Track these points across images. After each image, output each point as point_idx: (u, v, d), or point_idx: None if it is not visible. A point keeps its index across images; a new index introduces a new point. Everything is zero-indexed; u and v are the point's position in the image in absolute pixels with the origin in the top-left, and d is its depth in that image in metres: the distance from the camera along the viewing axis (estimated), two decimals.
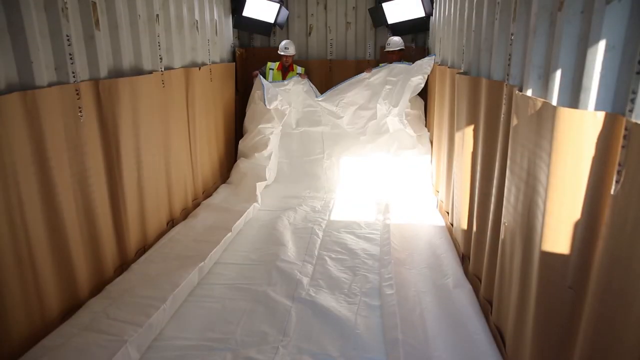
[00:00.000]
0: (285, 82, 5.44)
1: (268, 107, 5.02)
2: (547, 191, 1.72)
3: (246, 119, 5.54)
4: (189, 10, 4.36)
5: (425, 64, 5.19)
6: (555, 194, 1.68)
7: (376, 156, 5.37)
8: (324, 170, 5.46)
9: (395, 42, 5.66)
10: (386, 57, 5.78)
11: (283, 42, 5.64)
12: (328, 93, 5.61)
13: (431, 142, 5.27)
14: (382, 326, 2.62)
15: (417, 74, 5.22)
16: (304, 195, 5.00)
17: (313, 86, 5.68)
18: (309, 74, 5.86)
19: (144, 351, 2.41)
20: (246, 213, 4.21)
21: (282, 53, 5.59)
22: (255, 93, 5.32)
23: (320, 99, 5.58)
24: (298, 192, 5.08)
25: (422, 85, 5.29)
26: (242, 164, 5.29)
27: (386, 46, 5.71)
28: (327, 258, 3.49)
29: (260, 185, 4.88)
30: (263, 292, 2.98)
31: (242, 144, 5.50)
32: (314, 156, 5.56)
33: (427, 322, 2.64)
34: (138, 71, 3.43)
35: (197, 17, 4.57)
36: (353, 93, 5.55)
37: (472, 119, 3.05)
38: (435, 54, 5.13)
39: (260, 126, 5.26)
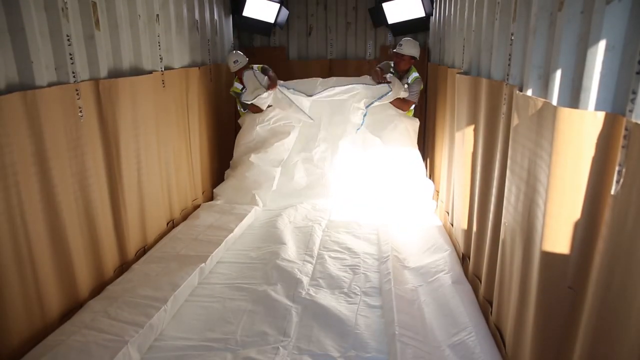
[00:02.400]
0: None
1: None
2: (547, 191, 1.72)
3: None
4: (189, 10, 4.36)
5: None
6: (555, 194, 1.68)
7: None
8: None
9: (409, 45, 4.70)
10: (389, 58, 5.14)
11: (229, 57, 4.84)
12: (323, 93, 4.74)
13: (428, 141, 5.22)
14: (382, 326, 2.62)
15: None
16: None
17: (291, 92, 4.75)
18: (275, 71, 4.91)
19: (145, 351, 2.41)
20: (247, 217, 4.19)
21: (235, 68, 4.82)
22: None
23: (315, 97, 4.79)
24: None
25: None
26: (249, 164, 4.69)
27: (397, 46, 4.77)
28: (327, 257, 3.49)
29: (259, 192, 4.56)
30: (263, 291, 2.97)
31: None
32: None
33: (427, 321, 2.65)
34: (138, 71, 3.43)
35: (197, 17, 4.57)
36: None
37: (472, 119, 3.05)
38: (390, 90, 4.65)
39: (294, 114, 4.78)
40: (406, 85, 4.79)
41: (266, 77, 4.70)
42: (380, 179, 4.77)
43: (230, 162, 5.08)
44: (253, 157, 4.72)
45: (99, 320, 2.47)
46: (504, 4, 2.52)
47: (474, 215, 2.97)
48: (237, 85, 4.88)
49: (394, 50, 4.82)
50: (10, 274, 2.19)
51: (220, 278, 3.20)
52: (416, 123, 4.98)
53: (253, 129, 4.87)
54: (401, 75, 4.88)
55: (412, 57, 4.74)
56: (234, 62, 4.79)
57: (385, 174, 4.76)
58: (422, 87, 4.90)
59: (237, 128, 5.63)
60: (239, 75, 4.87)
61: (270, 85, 4.65)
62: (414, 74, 4.81)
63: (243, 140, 4.92)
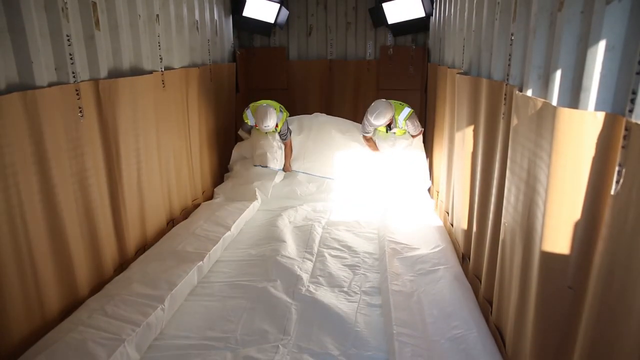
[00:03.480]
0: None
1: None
2: (547, 191, 1.72)
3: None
4: (189, 10, 4.36)
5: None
6: (555, 194, 1.68)
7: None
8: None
9: (376, 118, 4.56)
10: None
11: (262, 119, 4.46)
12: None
13: (428, 141, 5.24)
14: (382, 324, 2.62)
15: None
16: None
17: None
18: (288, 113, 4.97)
19: (144, 350, 2.41)
20: (246, 212, 4.20)
21: (265, 131, 4.70)
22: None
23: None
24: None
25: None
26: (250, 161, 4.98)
27: (365, 128, 4.79)
28: (327, 255, 3.50)
29: (260, 186, 4.68)
30: (263, 288, 2.97)
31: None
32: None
33: (425, 316, 2.65)
34: (138, 71, 3.43)
35: (197, 17, 4.57)
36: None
37: (472, 119, 3.05)
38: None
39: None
40: (403, 124, 4.79)
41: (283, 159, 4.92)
42: (381, 177, 4.85)
43: (228, 166, 5.19)
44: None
45: (96, 318, 2.47)
46: (504, 4, 2.52)
47: (473, 216, 2.97)
48: (249, 117, 4.82)
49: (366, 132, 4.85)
50: (10, 273, 2.19)
51: (220, 276, 3.20)
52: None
53: (251, 147, 5.02)
54: (392, 126, 4.86)
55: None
56: (265, 126, 4.49)
57: (386, 172, 4.85)
58: (412, 110, 4.83)
59: (237, 127, 5.65)
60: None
61: (285, 168, 4.98)
62: (403, 112, 4.73)
63: (243, 152, 5.07)
